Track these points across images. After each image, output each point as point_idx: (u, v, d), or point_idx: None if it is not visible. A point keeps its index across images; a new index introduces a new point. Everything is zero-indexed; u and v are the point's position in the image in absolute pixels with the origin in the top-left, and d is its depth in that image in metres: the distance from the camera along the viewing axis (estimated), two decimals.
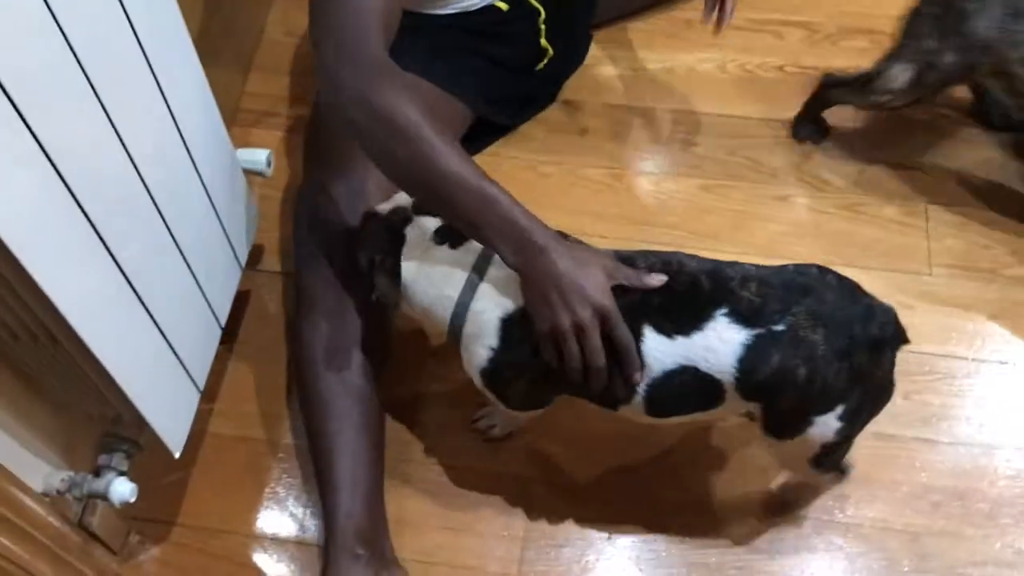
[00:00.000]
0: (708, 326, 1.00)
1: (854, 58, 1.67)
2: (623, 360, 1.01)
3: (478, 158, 1.51)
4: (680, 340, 1.01)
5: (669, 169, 1.57)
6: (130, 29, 0.96)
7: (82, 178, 0.88)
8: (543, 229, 0.99)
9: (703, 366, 1.01)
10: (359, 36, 1.04)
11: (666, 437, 1.33)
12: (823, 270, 1.04)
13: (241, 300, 1.42)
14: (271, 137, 1.61)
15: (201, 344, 1.19)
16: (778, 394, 1.01)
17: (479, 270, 1.08)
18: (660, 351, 1.01)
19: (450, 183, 0.98)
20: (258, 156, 1.26)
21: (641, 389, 1.03)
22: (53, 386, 1.02)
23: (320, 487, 1.23)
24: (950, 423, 1.35)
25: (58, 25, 0.83)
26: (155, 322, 1.05)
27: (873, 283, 1.42)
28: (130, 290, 0.99)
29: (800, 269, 1.04)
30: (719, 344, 0.99)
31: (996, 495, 1.29)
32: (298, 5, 1.72)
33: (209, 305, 1.19)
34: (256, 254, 1.47)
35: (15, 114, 0.78)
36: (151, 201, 1.03)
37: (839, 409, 1.01)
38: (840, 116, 1.61)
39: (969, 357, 1.40)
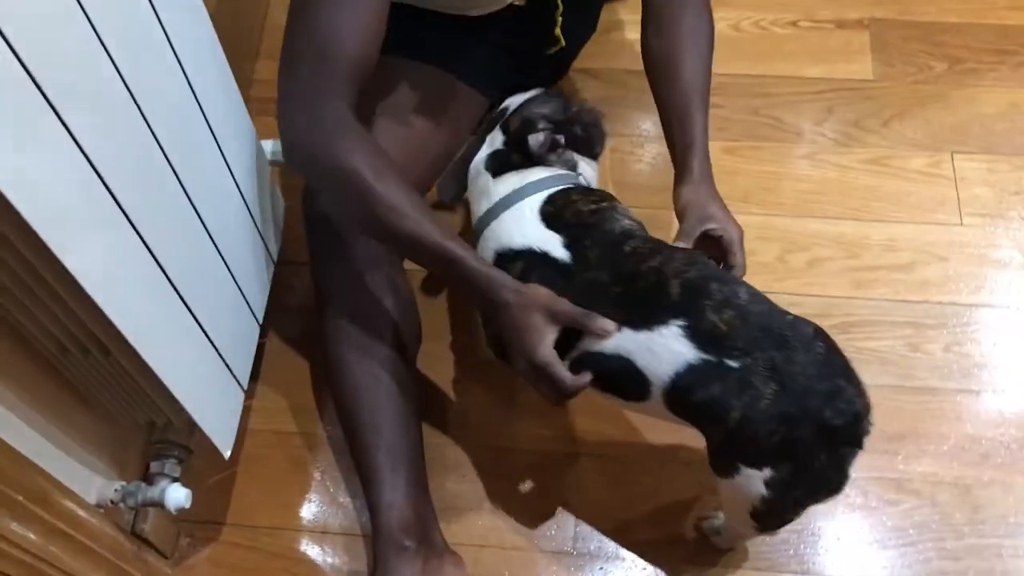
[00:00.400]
0: (658, 329, 0.97)
1: (868, 8, 1.66)
2: (551, 391, 1.02)
3: None
4: (626, 332, 0.99)
5: None
6: (161, 30, 0.93)
7: (123, 183, 0.85)
8: (499, 286, 1.01)
9: (639, 363, 0.99)
10: (322, 84, 1.01)
11: None
12: (819, 334, 0.97)
13: None
14: None
15: (242, 342, 1.17)
16: (707, 424, 0.99)
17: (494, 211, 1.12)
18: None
19: (407, 244, 1.02)
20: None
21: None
22: (103, 397, 1.00)
23: (362, 482, 1.22)
24: (991, 373, 1.35)
25: (98, 39, 0.80)
26: (199, 324, 1.03)
27: (905, 236, 1.44)
28: (175, 294, 0.97)
29: (795, 323, 0.97)
30: (663, 351, 0.97)
31: None
32: None
33: (247, 301, 1.17)
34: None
35: (64, 131, 0.75)
36: (188, 201, 1.00)
37: (766, 472, 0.96)
38: (859, 69, 1.59)
39: (1005, 305, 1.39)
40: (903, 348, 1.36)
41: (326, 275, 1.23)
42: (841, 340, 1.33)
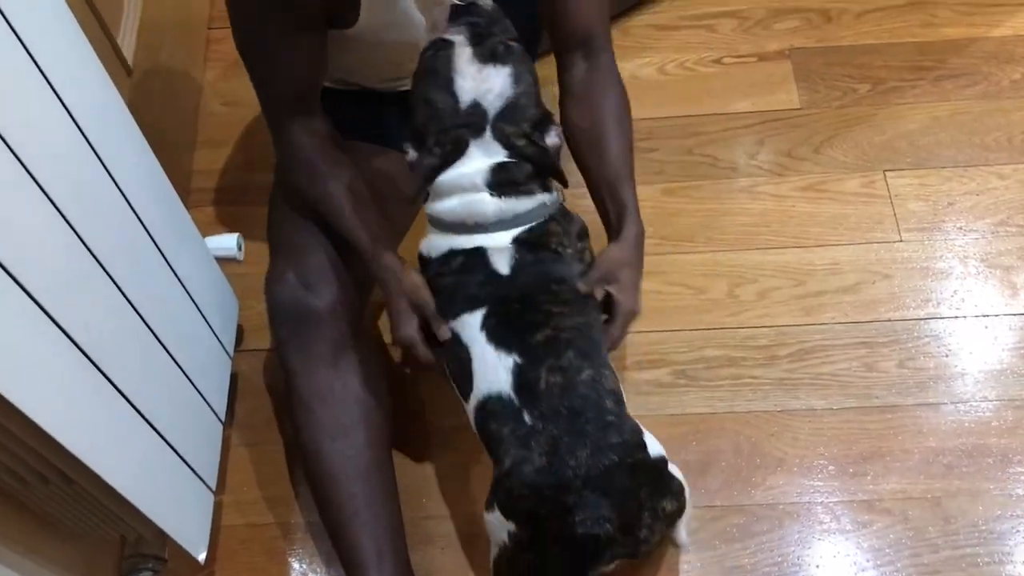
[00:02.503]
0: (501, 351, 1.04)
1: (788, 39, 1.70)
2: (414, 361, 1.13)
3: None
4: (483, 335, 1.05)
5: None
6: (86, 143, 0.93)
7: (61, 302, 0.85)
8: (384, 269, 1.14)
9: (474, 364, 1.06)
10: (281, 113, 1.19)
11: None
12: (640, 447, 1.01)
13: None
14: (229, 213, 1.58)
15: (205, 442, 1.17)
16: (490, 454, 1.06)
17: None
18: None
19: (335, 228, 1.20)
20: (228, 242, 1.25)
21: None
22: (69, 520, 0.99)
23: (345, 568, 1.21)
24: (947, 384, 1.38)
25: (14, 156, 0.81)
26: (159, 434, 1.03)
27: (848, 258, 1.47)
28: (131, 409, 0.97)
29: (608, 429, 0.99)
30: (491, 369, 1.04)
31: (1003, 446, 1.32)
32: (228, 74, 1.72)
33: (207, 403, 1.17)
34: (236, 334, 1.45)
35: None
36: (133, 311, 1.00)
37: (511, 524, 1.02)
38: (785, 99, 1.63)
39: (952, 315, 1.43)
40: (859, 369, 1.39)
41: (294, 362, 1.23)
42: (798, 368, 1.39)
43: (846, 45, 1.70)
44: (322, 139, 1.21)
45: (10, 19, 0.80)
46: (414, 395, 1.41)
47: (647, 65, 1.70)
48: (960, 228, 1.50)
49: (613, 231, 1.15)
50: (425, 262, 1.13)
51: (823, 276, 1.47)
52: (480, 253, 1.08)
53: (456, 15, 1.09)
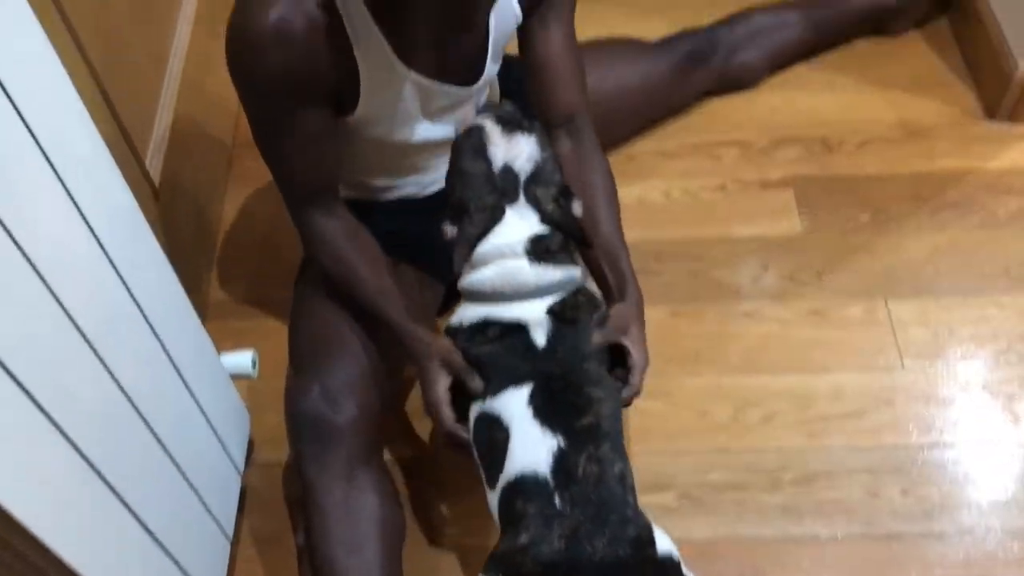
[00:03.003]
0: (546, 430, 1.07)
1: (790, 167, 1.76)
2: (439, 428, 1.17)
3: None
4: (528, 412, 1.08)
5: None
6: (104, 256, 0.97)
7: (76, 421, 0.87)
8: (414, 339, 1.20)
9: (514, 440, 1.08)
10: (302, 202, 1.26)
11: None
12: (651, 543, 1.04)
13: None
14: (245, 327, 1.61)
15: (212, 561, 1.17)
16: (505, 527, 1.07)
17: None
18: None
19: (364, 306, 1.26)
20: (243, 360, 1.27)
21: None
22: None
23: None
24: (951, 513, 1.38)
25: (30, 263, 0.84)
26: (166, 551, 1.03)
27: (851, 384, 1.49)
28: (136, 523, 0.98)
29: (625, 524, 1.03)
30: (532, 446, 1.06)
31: None
32: (249, 191, 1.78)
33: (215, 520, 1.18)
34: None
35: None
36: (147, 428, 1.03)
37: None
38: (788, 225, 1.68)
39: (956, 444, 1.44)
40: (863, 495, 1.39)
41: (312, 475, 1.25)
42: (802, 493, 1.40)
43: (847, 174, 1.75)
44: (344, 222, 1.28)
45: (39, 139, 0.84)
46: (427, 510, 1.42)
47: (653, 189, 1.76)
48: (961, 356, 1.52)
49: (615, 297, 1.24)
50: (455, 332, 1.17)
51: (827, 401, 1.48)
52: (518, 323, 1.13)
53: (483, 110, 1.21)
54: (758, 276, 1.63)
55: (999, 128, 1.79)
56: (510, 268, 1.13)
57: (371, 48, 1.16)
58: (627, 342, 1.16)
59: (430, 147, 1.33)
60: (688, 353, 1.54)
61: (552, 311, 1.14)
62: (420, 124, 1.28)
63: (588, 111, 1.33)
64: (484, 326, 1.14)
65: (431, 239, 1.25)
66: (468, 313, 1.16)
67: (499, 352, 1.12)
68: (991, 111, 1.80)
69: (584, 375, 1.12)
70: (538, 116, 1.28)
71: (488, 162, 1.15)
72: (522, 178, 1.15)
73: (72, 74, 0.93)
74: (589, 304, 1.18)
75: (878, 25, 1.93)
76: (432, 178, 1.40)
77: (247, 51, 1.12)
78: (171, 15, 1.63)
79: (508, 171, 1.15)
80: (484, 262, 1.14)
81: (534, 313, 1.13)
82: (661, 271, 1.64)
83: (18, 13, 0.84)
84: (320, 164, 1.24)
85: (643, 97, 1.73)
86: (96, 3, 1.30)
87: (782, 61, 1.87)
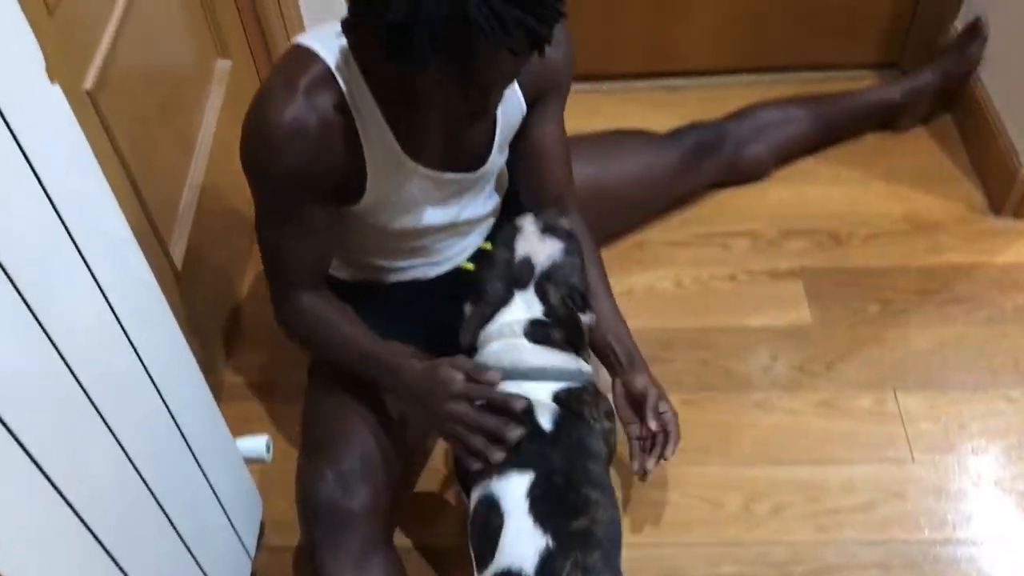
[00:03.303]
0: (539, 526, 1.08)
1: (799, 258, 1.79)
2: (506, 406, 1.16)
3: None
4: (524, 506, 1.10)
5: None
6: (127, 342, 0.99)
7: (88, 498, 0.88)
8: (409, 364, 1.24)
9: (507, 531, 1.09)
10: (291, 287, 1.31)
11: None
12: None
13: None
14: (258, 410, 1.63)
15: None
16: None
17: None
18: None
19: (353, 359, 1.30)
20: (258, 444, 1.29)
21: None
22: None
23: None
24: None
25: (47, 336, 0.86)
26: None
27: (861, 476, 1.49)
28: None
29: None
30: (524, 541, 1.08)
31: None
32: None
33: None
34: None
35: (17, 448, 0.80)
36: (160, 509, 1.04)
37: None
38: (797, 316, 1.70)
39: (970, 540, 1.43)
40: None
41: (326, 560, 1.25)
42: None
43: (855, 266, 1.78)
44: (326, 296, 1.33)
45: (65, 219, 0.87)
46: None
47: (664, 278, 1.78)
48: (972, 451, 1.52)
49: (624, 368, 1.35)
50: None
51: (837, 493, 1.48)
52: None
53: (537, 214, 1.30)
54: (768, 366, 1.64)
55: (1005, 224, 1.82)
56: (512, 345, 1.19)
57: (380, 145, 1.21)
58: (664, 406, 1.31)
59: (433, 231, 1.37)
60: (698, 442, 1.54)
61: (559, 398, 1.16)
62: (424, 211, 1.32)
63: (575, 192, 1.44)
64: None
65: (440, 321, 1.30)
66: None
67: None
68: (997, 207, 1.83)
69: (585, 474, 1.13)
70: (531, 195, 1.40)
71: (512, 252, 1.23)
72: (537, 271, 1.22)
73: (99, 156, 0.97)
74: (596, 401, 1.20)
75: (884, 121, 1.98)
76: (436, 260, 1.43)
77: (262, 148, 1.17)
78: (199, 104, 1.68)
79: (526, 263, 1.22)
80: (490, 339, 1.21)
81: (539, 394, 1.16)
82: (671, 359, 1.65)
83: (54, 103, 0.88)
84: (317, 253, 1.31)
85: (651, 186, 1.78)
86: (128, 94, 1.35)
87: (789, 155, 1.92)
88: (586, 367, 1.23)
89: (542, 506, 1.09)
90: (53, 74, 0.87)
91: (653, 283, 1.78)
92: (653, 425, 1.32)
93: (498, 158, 1.36)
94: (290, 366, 1.64)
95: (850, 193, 1.90)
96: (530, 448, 1.13)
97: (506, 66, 1.05)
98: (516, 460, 1.12)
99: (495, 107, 1.18)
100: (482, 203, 1.41)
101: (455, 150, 1.29)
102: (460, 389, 1.17)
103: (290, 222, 1.24)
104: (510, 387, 1.17)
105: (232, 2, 1.86)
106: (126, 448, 0.97)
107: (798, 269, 1.77)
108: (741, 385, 1.62)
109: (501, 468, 1.12)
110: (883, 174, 1.93)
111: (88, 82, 1.22)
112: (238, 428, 1.39)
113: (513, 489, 1.11)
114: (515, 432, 1.13)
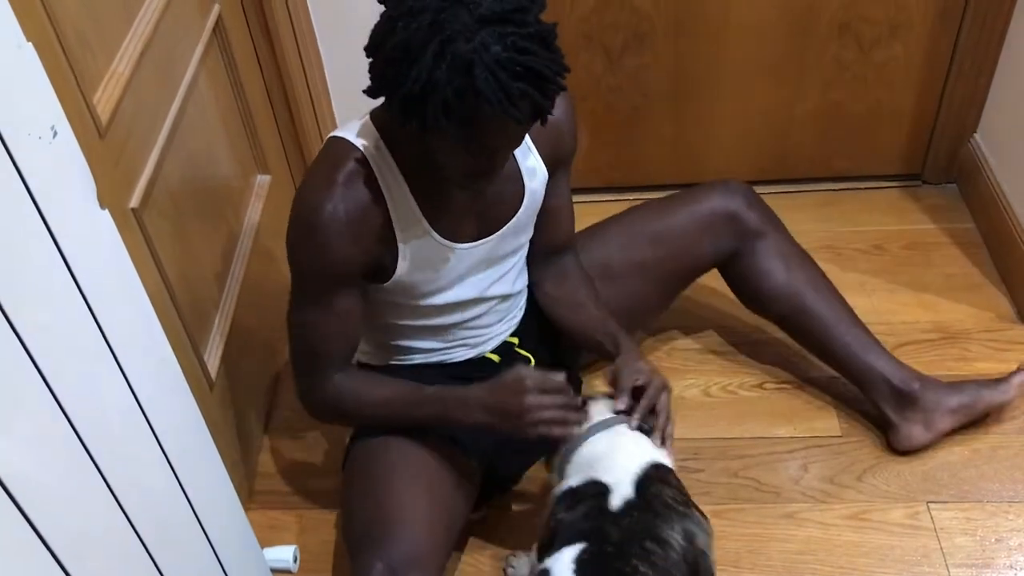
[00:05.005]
0: None
1: (825, 367, 1.79)
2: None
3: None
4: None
5: None
6: (157, 445, 1.01)
7: None
8: (473, 390, 1.33)
9: None
10: (317, 373, 1.37)
11: None
12: None
13: None
14: (287, 518, 1.63)
15: None
16: None
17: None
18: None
19: (403, 416, 1.38)
20: (284, 554, 1.29)
21: None
22: None
23: None
24: None
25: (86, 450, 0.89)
26: None
27: None
28: None
29: None
30: None
31: None
32: None
33: None
34: None
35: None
36: None
37: None
38: (826, 426, 1.69)
39: None
40: None
41: None
42: None
43: None
44: (354, 368, 1.41)
45: (108, 336, 0.91)
46: None
47: (692, 387, 1.79)
48: (1009, 566, 1.48)
49: (608, 348, 1.43)
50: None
51: None
52: (601, 485, 1.23)
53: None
54: (799, 477, 1.63)
55: None
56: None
57: (412, 226, 1.30)
58: (643, 379, 1.34)
59: (462, 306, 1.43)
60: (728, 554, 1.52)
61: (639, 483, 1.22)
62: (453, 284, 1.39)
63: (576, 242, 1.58)
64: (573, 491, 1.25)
65: None
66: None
67: (575, 517, 1.20)
68: None
69: (642, 551, 1.14)
70: (542, 245, 1.52)
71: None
72: None
73: (141, 271, 1.01)
74: (679, 489, 1.26)
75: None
76: (464, 342, 1.49)
77: (303, 239, 1.28)
78: (239, 218, 1.75)
79: None
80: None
81: (617, 482, 1.22)
82: (700, 469, 1.65)
83: (103, 229, 0.93)
84: (349, 334, 1.37)
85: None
86: (172, 210, 1.42)
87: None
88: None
89: (585, 571, 1.12)
90: (103, 198, 0.93)
91: (681, 392, 1.78)
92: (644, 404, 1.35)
93: (524, 220, 1.43)
94: (320, 473, 1.66)
95: (878, 302, 1.91)
96: (586, 525, 1.18)
97: (511, 132, 1.16)
98: (569, 538, 1.17)
99: (500, 168, 1.26)
100: (511, 281, 1.48)
101: (484, 223, 1.37)
102: (533, 383, 1.27)
103: (324, 305, 1.32)
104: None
105: (272, 120, 1.95)
106: (154, 556, 0.98)
107: (827, 378, 1.77)
108: (770, 496, 1.61)
109: (556, 549, 1.16)
110: (910, 283, 1.94)
111: (133, 200, 1.28)
112: (265, 536, 1.40)
113: (562, 560, 1.15)
114: (578, 398, 1.33)
